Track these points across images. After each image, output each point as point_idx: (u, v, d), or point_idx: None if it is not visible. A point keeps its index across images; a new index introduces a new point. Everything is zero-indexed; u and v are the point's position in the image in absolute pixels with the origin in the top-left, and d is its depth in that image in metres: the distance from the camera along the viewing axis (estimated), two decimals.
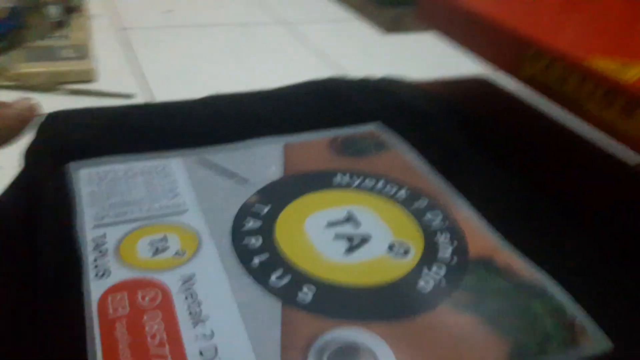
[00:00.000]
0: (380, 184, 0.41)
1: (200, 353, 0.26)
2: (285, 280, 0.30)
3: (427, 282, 0.31)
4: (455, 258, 0.34)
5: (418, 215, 0.38)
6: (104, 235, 0.33)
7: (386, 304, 0.30)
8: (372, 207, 0.39)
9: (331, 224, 0.36)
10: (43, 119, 0.45)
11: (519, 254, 0.34)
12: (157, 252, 0.32)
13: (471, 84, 0.76)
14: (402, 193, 0.40)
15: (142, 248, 0.32)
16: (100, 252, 0.31)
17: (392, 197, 0.40)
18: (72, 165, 0.40)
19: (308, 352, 0.26)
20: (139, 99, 1.10)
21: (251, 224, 0.35)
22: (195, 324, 0.27)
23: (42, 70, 1.13)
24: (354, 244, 0.34)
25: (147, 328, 0.26)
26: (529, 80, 0.52)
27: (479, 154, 0.49)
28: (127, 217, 0.35)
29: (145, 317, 0.27)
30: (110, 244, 0.33)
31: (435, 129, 0.53)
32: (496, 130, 0.57)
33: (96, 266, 0.30)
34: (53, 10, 1.27)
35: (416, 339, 0.27)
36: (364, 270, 0.33)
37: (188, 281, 0.29)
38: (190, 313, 0.28)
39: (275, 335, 0.27)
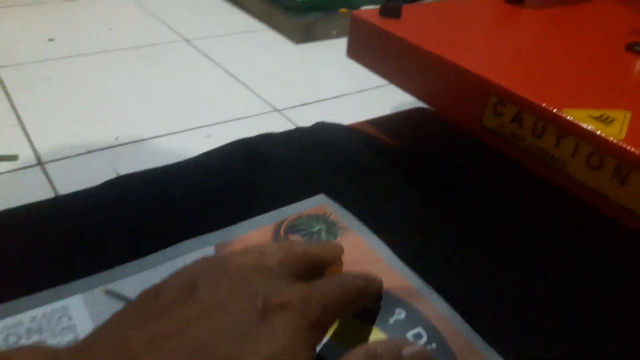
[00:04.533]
0: None
1: None
2: None
3: None
4: None
5: (393, 331, 0.33)
6: None
7: None
8: (335, 334, 0.32)
9: None
10: None
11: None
12: None
13: (410, 117, 0.69)
14: (374, 306, 0.34)
15: None
16: None
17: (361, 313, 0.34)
18: None
19: None
20: (23, 159, 0.94)
21: None
22: None
23: None
24: None
25: None
26: (491, 134, 0.45)
27: (432, 215, 0.45)
28: None
29: None
30: None
31: (384, 188, 0.48)
32: (448, 178, 0.51)
33: None
34: None
35: None
36: None
37: None
38: None
39: None
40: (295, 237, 0.40)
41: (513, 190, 0.51)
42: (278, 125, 1.15)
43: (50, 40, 1.42)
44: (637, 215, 0.36)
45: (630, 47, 0.55)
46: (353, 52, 0.60)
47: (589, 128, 0.37)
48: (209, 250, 0.38)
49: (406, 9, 0.59)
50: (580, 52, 0.54)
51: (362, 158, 0.52)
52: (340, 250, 0.35)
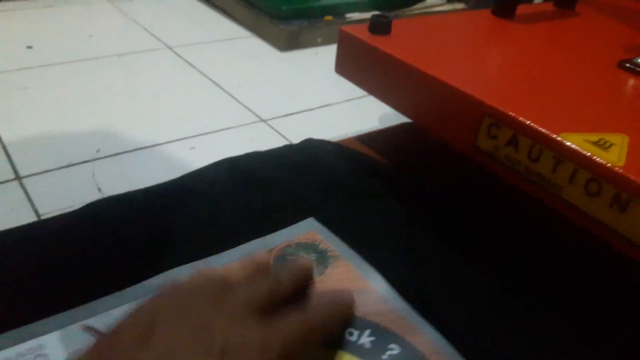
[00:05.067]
0: None
1: None
2: None
3: None
4: None
5: None
6: None
7: None
8: None
9: None
10: None
11: None
12: None
13: (399, 132, 0.68)
14: (366, 342, 0.33)
15: None
16: None
17: (354, 349, 0.32)
18: None
19: None
20: (0, 173, 0.91)
21: None
22: None
23: None
24: None
25: None
26: (485, 156, 0.44)
27: (422, 237, 0.44)
28: None
29: None
30: None
31: (374, 210, 0.47)
32: (439, 198, 0.50)
33: None
34: None
35: None
36: None
37: None
38: None
39: None
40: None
41: (504, 210, 0.50)
42: (264, 136, 1.13)
43: (29, 47, 1.39)
44: (637, 245, 0.35)
45: (622, 65, 0.55)
46: (342, 69, 0.59)
47: (587, 154, 0.36)
48: None
49: (396, 24, 0.58)
50: (573, 70, 0.53)
51: (351, 178, 0.51)
52: (310, 268, 0.35)
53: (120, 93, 1.22)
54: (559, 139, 0.38)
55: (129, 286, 0.36)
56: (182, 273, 0.38)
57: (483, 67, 0.51)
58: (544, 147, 0.39)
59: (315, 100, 1.28)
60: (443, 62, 0.50)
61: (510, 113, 0.41)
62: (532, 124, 0.39)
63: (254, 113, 1.21)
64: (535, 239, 0.47)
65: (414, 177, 0.54)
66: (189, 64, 1.40)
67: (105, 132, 1.05)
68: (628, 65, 0.54)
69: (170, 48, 1.49)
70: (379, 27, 0.56)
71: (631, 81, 0.52)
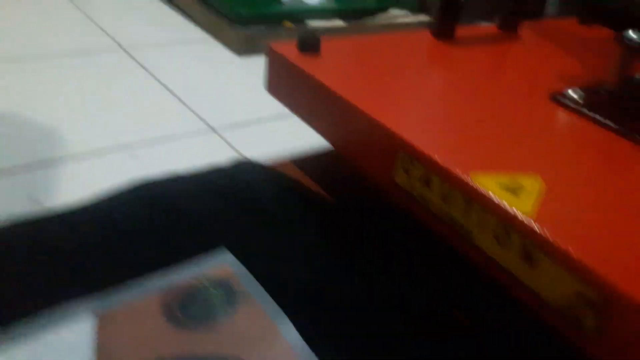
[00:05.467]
0: None
1: None
2: None
3: None
4: None
5: None
6: None
7: None
8: None
9: None
10: None
11: None
12: None
13: (336, 157, 0.66)
14: None
15: None
16: None
17: None
18: None
19: None
20: None
21: None
22: None
23: None
24: None
25: None
26: (402, 192, 0.42)
27: (332, 270, 0.42)
28: None
29: None
30: None
31: (291, 239, 0.45)
32: (358, 229, 0.48)
33: None
34: None
35: None
36: None
37: None
38: None
39: None
40: (188, 316, 0.36)
41: (423, 248, 0.48)
42: (211, 146, 1.09)
43: None
44: (545, 302, 0.33)
45: (553, 97, 0.53)
46: (271, 88, 0.56)
47: (495, 199, 0.34)
48: (86, 319, 0.33)
49: (328, 44, 0.55)
50: (502, 102, 0.51)
51: (272, 206, 0.49)
52: None
53: (64, 95, 1.17)
54: (467, 179, 0.36)
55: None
56: (77, 309, 0.34)
57: (406, 96, 0.49)
58: (453, 188, 0.37)
59: (270, 109, 1.25)
60: (366, 88, 0.48)
61: (421, 149, 0.38)
62: (441, 161, 0.37)
63: (204, 121, 1.17)
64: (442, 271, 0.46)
65: (340, 208, 0.51)
66: (141, 65, 1.36)
67: (40, 138, 1.00)
68: (559, 98, 0.53)
69: (123, 48, 1.44)
70: (308, 45, 0.54)
71: (560, 116, 0.50)
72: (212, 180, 0.50)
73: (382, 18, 1.74)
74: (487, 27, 0.71)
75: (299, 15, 1.60)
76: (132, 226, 0.43)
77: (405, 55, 0.59)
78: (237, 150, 1.09)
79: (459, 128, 0.44)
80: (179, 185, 0.48)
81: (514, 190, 0.36)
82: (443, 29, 0.63)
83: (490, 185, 0.36)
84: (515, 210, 0.34)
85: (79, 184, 0.92)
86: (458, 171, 0.36)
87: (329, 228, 0.47)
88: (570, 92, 0.53)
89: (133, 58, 1.38)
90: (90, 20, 1.59)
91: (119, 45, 1.45)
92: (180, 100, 1.22)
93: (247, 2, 1.59)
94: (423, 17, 1.83)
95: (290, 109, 0.54)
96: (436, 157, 0.38)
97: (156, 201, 0.45)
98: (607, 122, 0.49)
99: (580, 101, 0.52)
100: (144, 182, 0.48)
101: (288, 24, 1.56)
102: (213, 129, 1.13)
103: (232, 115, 1.20)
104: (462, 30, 0.68)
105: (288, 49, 0.54)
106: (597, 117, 0.49)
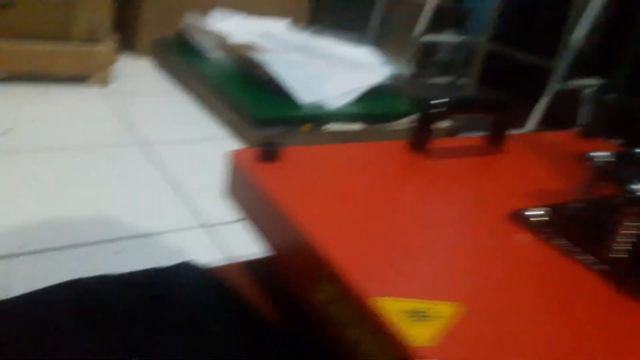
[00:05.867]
0: None
1: None
2: None
3: None
4: None
5: None
6: None
7: None
8: None
9: None
10: None
11: None
12: None
13: (266, 265, 0.63)
14: None
15: None
16: None
17: None
18: None
19: None
20: None
21: None
22: None
23: None
24: None
25: None
26: (322, 310, 0.40)
27: None
28: None
29: None
30: None
31: (206, 355, 0.43)
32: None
33: None
34: None
35: None
36: None
37: None
38: None
39: None
40: None
41: None
42: (201, 243, 1.10)
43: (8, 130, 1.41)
44: None
45: (513, 216, 0.51)
46: (232, 192, 0.57)
47: (390, 326, 0.32)
48: None
49: (291, 152, 0.56)
50: (453, 222, 0.49)
51: (199, 315, 0.47)
52: None
53: (66, 186, 1.21)
54: (366, 302, 0.34)
55: None
56: None
57: (347, 211, 0.47)
58: (357, 311, 0.35)
59: None
60: (307, 202, 0.47)
61: (334, 269, 0.37)
62: (351, 283, 0.36)
63: (197, 218, 1.18)
64: None
65: (269, 323, 0.49)
66: (152, 161, 1.41)
67: (32, 226, 1.03)
68: (517, 216, 0.51)
69: (139, 144, 1.50)
70: (266, 154, 0.55)
71: (513, 237, 0.48)
72: (142, 283, 0.49)
73: (400, 124, 1.77)
74: (474, 138, 0.70)
75: (318, 119, 1.65)
76: (51, 326, 0.43)
77: (367, 166, 0.59)
78: (228, 247, 1.09)
79: (390, 249, 0.42)
80: (106, 288, 0.47)
81: (419, 318, 0.33)
82: (415, 143, 0.63)
83: (393, 310, 0.33)
84: (409, 339, 0.31)
85: (53, 276, 0.93)
86: (363, 293, 0.34)
87: (245, 344, 0.45)
88: (530, 211, 0.51)
89: (146, 153, 1.44)
90: (115, 115, 1.68)
91: (137, 140, 1.52)
92: (181, 195, 1.25)
93: (269, 105, 1.66)
94: (445, 123, 1.85)
95: (247, 216, 0.54)
96: (350, 277, 0.36)
97: (77, 302, 0.45)
98: (563, 244, 0.46)
99: (539, 221, 0.50)
100: (74, 280, 0.48)
101: (307, 126, 1.61)
102: (202, 226, 1.14)
103: (229, 212, 1.21)
104: (445, 142, 0.67)
105: (247, 156, 0.54)
106: (554, 239, 0.47)
